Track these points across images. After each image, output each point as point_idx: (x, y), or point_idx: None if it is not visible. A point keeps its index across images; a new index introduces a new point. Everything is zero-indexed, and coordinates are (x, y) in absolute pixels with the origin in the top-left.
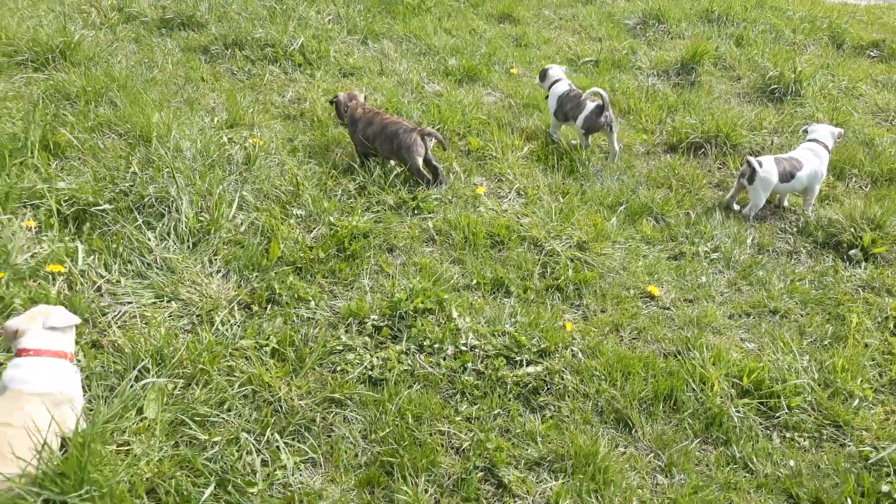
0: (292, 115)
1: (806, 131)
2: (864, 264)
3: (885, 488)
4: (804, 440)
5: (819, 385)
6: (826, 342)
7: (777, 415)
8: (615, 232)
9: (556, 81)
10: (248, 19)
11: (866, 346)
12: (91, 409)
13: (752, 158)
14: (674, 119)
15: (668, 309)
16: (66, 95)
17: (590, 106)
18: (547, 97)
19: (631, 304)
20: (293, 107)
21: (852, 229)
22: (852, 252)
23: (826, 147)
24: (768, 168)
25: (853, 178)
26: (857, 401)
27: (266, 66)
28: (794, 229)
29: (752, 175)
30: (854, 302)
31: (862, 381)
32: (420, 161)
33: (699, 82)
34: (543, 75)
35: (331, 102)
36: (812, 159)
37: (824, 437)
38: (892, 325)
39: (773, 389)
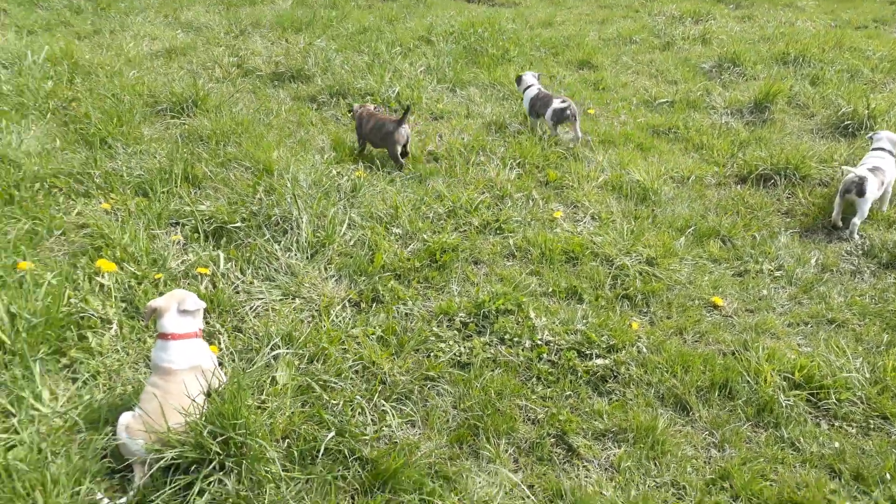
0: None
1: (871, 139)
2: None
3: None
4: (851, 428)
5: (869, 383)
6: (881, 349)
7: (826, 406)
8: (683, 251)
9: (529, 87)
10: (349, 72)
11: None
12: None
13: (857, 173)
14: (745, 153)
15: (729, 317)
16: (200, 137)
17: (556, 102)
18: (522, 99)
19: (695, 312)
20: None
21: None
22: None
23: (892, 153)
24: (872, 180)
25: None
26: None
27: None
28: (860, 251)
29: (861, 188)
30: None
31: None
32: (399, 149)
33: (772, 119)
34: (519, 81)
35: (349, 111)
36: (890, 167)
37: (871, 427)
38: None
39: (824, 384)
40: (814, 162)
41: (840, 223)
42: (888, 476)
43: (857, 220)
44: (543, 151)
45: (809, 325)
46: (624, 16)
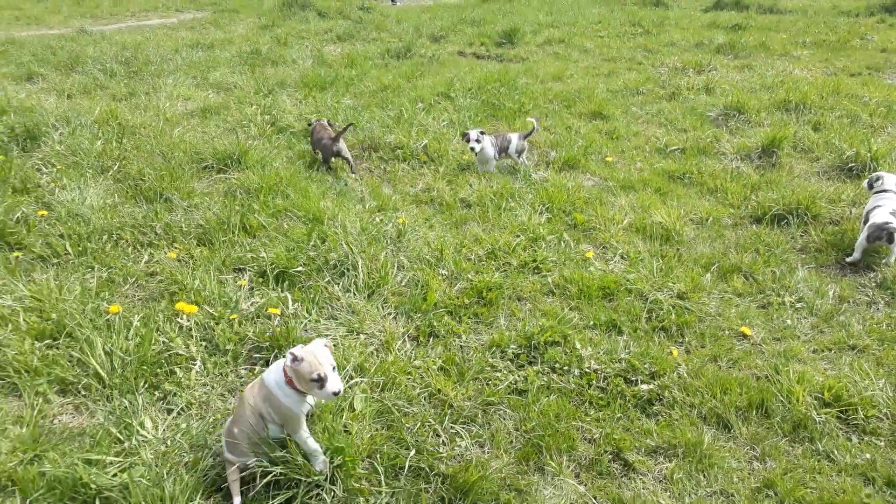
0: (424, 201)
1: (872, 183)
2: None
3: None
4: (880, 441)
5: (893, 401)
6: None
7: (854, 422)
8: (710, 286)
9: (478, 140)
10: (378, 127)
11: None
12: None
13: (889, 223)
14: (757, 195)
15: (758, 345)
16: (247, 190)
17: (514, 136)
18: (474, 151)
19: (726, 341)
20: (424, 194)
21: None
22: None
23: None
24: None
25: None
26: None
27: (398, 164)
28: (874, 284)
29: (891, 236)
30: None
31: None
32: (331, 159)
33: (779, 164)
34: (466, 137)
35: (308, 125)
36: None
37: None
38: None
39: (851, 402)
40: (823, 202)
41: (859, 262)
42: None
43: (892, 261)
44: (570, 197)
45: (833, 351)
46: (628, 68)
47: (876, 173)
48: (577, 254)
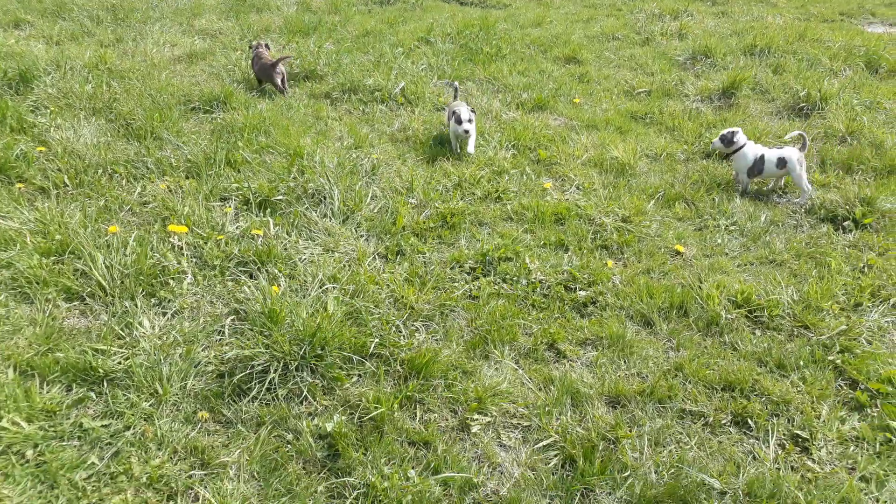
0: (400, 139)
1: (731, 140)
2: (854, 232)
3: (830, 358)
4: (779, 335)
5: (797, 303)
6: (810, 280)
7: (760, 320)
8: (653, 211)
9: (470, 120)
10: (358, 71)
11: (840, 280)
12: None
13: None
14: (711, 132)
15: (689, 260)
16: (232, 129)
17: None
18: (468, 133)
19: (661, 257)
20: (399, 133)
21: (847, 206)
22: (846, 223)
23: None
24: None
25: (859, 172)
26: (824, 312)
27: (376, 106)
28: (803, 210)
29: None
30: (839, 255)
31: (832, 302)
32: (278, 80)
33: (737, 104)
34: (456, 117)
35: (249, 47)
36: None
37: (795, 334)
38: (865, 269)
39: (760, 303)
40: (769, 137)
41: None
42: (801, 363)
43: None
44: (535, 135)
45: (754, 265)
46: (608, 14)
47: (729, 130)
48: (536, 185)
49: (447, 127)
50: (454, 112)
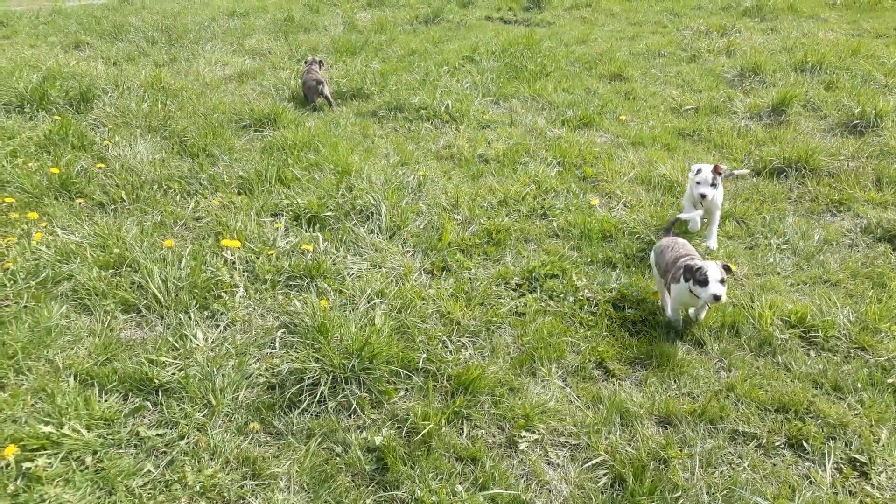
0: (445, 157)
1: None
2: None
3: (890, 381)
4: (835, 356)
5: (853, 324)
6: (866, 300)
7: (815, 340)
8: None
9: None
10: (404, 89)
11: None
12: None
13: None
14: (761, 150)
15: (740, 279)
16: (282, 147)
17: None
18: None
19: None
20: (444, 151)
21: None
22: None
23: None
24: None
25: None
26: (882, 334)
27: (421, 124)
28: (858, 229)
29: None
30: None
31: (890, 323)
32: (317, 101)
33: (787, 121)
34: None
35: (304, 62)
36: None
37: (851, 355)
38: None
39: (814, 324)
40: (822, 156)
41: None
42: (859, 385)
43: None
44: (581, 152)
45: (808, 285)
46: (653, 31)
47: (696, 166)
48: (583, 202)
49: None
50: (698, 269)
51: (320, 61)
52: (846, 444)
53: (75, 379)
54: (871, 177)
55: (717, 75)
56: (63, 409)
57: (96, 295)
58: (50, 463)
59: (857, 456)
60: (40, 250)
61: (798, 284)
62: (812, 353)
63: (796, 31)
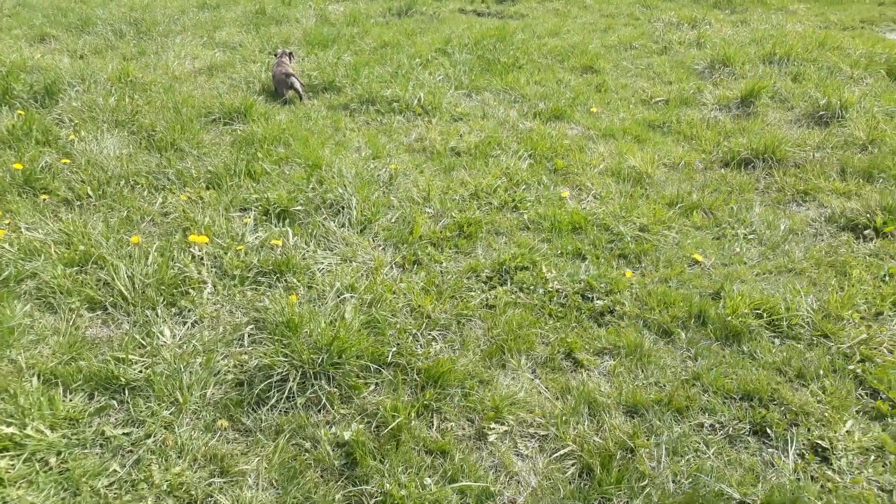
0: (417, 150)
1: None
2: (875, 240)
3: (850, 367)
4: (799, 344)
5: (816, 312)
6: (829, 288)
7: (779, 328)
8: (671, 220)
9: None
10: (376, 82)
11: (861, 288)
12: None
13: None
14: (729, 141)
15: (707, 269)
16: (252, 141)
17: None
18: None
19: (679, 266)
20: (417, 144)
21: (868, 215)
22: (866, 231)
23: None
24: None
25: (881, 180)
26: (844, 321)
27: (393, 117)
28: (823, 218)
29: None
30: (859, 264)
31: (852, 311)
32: (287, 94)
33: (756, 113)
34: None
35: (273, 54)
36: None
37: (814, 343)
38: (886, 278)
39: (779, 312)
40: (788, 146)
41: None
42: (821, 372)
43: None
44: (552, 145)
45: (773, 274)
46: (625, 24)
47: None
48: (554, 195)
49: None
50: None
51: (290, 53)
52: (808, 430)
53: (39, 379)
54: (836, 167)
55: (687, 67)
56: (26, 410)
57: (61, 293)
58: (13, 464)
59: (819, 442)
60: (3, 248)
61: (764, 274)
62: (777, 341)
63: (765, 23)
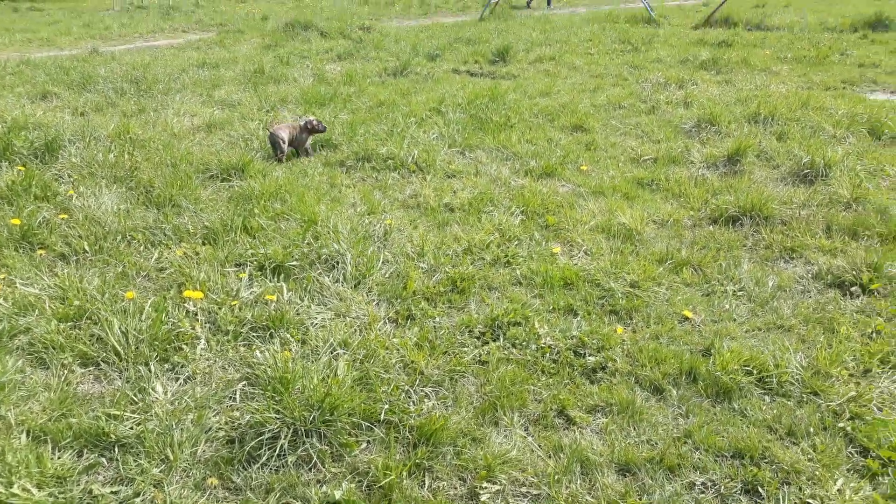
0: (411, 206)
1: None
2: (862, 297)
3: (840, 424)
4: (789, 401)
5: (805, 369)
6: (818, 346)
7: (770, 386)
8: (660, 277)
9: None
10: (372, 140)
11: (849, 345)
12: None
13: None
14: (717, 199)
15: (697, 326)
16: (249, 197)
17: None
18: None
19: (669, 322)
20: (411, 200)
21: (854, 272)
22: (853, 288)
23: None
24: None
25: (865, 238)
26: (833, 378)
27: (389, 174)
28: (810, 276)
29: None
30: (847, 320)
31: (840, 367)
32: (282, 152)
33: (742, 171)
34: None
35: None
36: None
37: (804, 400)
38: (873, 335)
39: (769, 369)
40: (774, 204)
41: None
42: (811, 430)
43: None
44: (543, 202)
45: (763, 331)
46: (614, 84)
47: None
48: (545, 250)
49: None
50: None
51: (312, 122)
52: (800, 489)
53: (28, 435)
54: (822, 224)
55: (675, 126)
56: (13, 468)
57: (54, 348)
58: None
59: (810, 501)
60: None
61: (753, 330)
62: (767, 398)
63: (750, 83)
